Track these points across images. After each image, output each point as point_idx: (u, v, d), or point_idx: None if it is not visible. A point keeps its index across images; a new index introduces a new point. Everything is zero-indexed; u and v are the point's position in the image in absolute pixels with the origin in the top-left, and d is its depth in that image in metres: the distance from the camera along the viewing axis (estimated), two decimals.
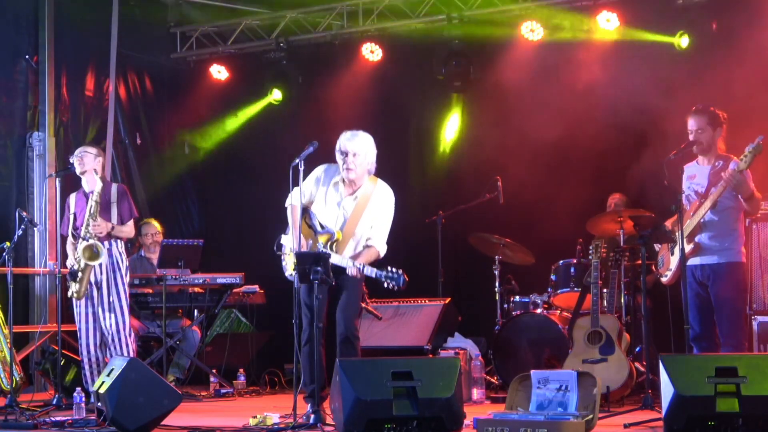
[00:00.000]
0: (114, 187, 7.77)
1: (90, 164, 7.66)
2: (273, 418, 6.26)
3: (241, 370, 9.07)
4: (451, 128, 10.11)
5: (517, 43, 9.52)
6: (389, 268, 6.26)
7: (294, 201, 6.53)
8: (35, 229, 8.51)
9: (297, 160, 6.39)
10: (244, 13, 10.63)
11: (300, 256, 6.18)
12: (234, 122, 11.02)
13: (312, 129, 9.83)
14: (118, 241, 7.67)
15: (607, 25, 9.10)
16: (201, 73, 10.95)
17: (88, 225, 7.50)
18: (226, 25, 10.77)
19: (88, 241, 7.47)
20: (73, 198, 7.76)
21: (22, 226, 7.58)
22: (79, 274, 7.49)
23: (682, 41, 8.80)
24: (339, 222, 6.49)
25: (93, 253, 7.47)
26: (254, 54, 10.84)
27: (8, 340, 7.61)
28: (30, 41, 9.82)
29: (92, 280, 7.58)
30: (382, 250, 6.52)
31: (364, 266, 6.33)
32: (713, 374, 5.25)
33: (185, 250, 9.00)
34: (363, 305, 7.54)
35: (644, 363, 7.27)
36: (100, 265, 7.56)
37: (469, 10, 9.60)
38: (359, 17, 10.12)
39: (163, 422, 6.13)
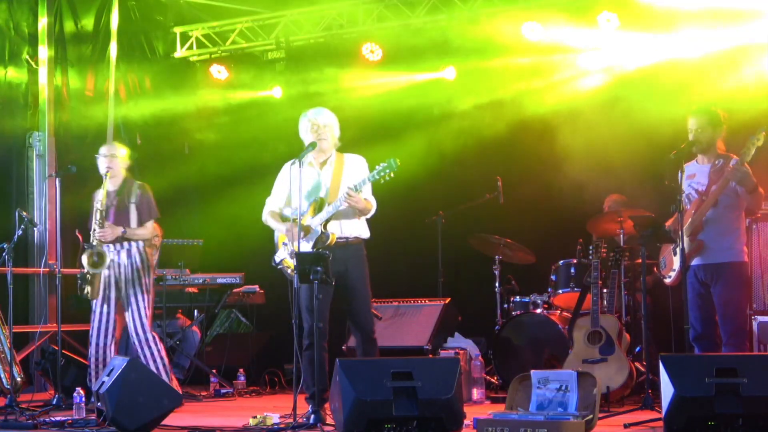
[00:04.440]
0: (135, 186, 7.70)
1: (117, 168, 7.63)
2: (273, 418, 6.27)
3: (241, 370, 9.07)
4: (451, 128, 10.10)
5: (517, 42, 9.51)
6: (376, 167, 6.34)
7: (270, 207, 6.72)
8: (35, 229, 8.51)
9: (295, 161, 6.43)
10: (244, 13, 10.63)
11: (300, 257, 6.19)
12: (234, 122, 11.01)
13: None
14: (139, 241, 7.57)
15: (607, 25, 9.09)
16: (201, 73, 10.94)
17: (94, 231, 7.45)
18: (226, 25, 10.76)
19: (93, 248, 7.43)
20: (98, 195, 7.67)
21: (22, 226, 7.58)
22: (88, 277, 7.45)
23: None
24: (323, 190, 6.55)
25: (95, 261, 7.43)
26: (254, 54, 10.83)
27: (8, 340, 7.60)
28: (30, 41, 9.82)
29: (112, 280, 7.51)
30: (372, 201, 6.57)
31: (355, 186, 6.38)
32: (713, 374, 5.24)
33: (185, 250, 9.00)
34: None
35: (644, 363, 7.27)
36: (119, 265, 7.49)
37: (469, 9, 9.60)
38: (359, 17, 10.12)
39: (163, 422, 6.13)
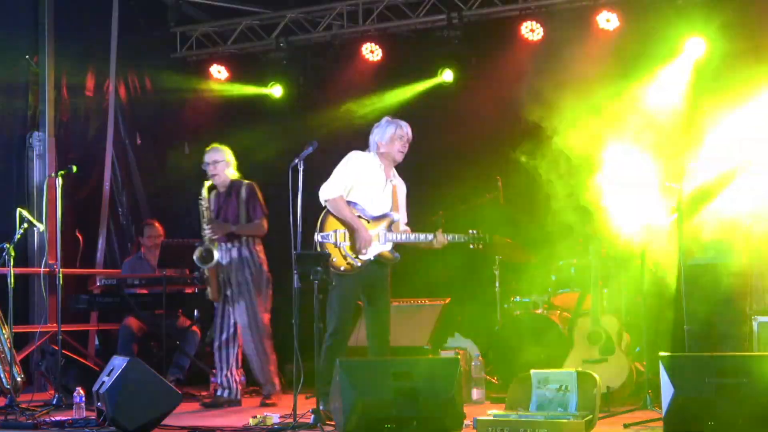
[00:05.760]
0: (244, 186, 7.92)
1: (221, 171, 7.87)
2: (273, 418, 6.27)
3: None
4: (450, 128, 10.11)
5: (517, 43, 9.52)
6: (470, 231, 6.77)
7: (337, 192, 6.62)
8: (35, 229, 8.51)
9: (296, 161, 6.44)
10: (244, 13, 10.64)
11: (300, 257, 6.21)
12: (233, 122, 11.00)
13: (312, 129, 9.84)
14: (249, 239, 7.78)
15: (607, 25, 9.09)
16: (201, 73, 10.94)
17: (204, 229, 7.71)
18: (226, 25, 10.76)
19: (202, 244, 7.71)
20: (212, 197, 7.92)
21: (22, 226, 7.57)
22: (205, 276, 7.79)
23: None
24: (388, 205, 6.71)
25: (203, 257, 7.70)
26: (254, 54, 10.83)
27: (8, 340, 7.61)
28: (30, 41, 9.82)
29: (226, 278, 7.78)
30: None
31: (447, 235, 6.73)
32: (713, 374, 5.25)
33: (185, 250, 8.99)
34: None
35: (644, 363, 7.27)
36: (231, 263, 7.72)
37: (469, 10, 9.60)
38: (359, 17, 10.13)
39: (163, 422, 6.13)
